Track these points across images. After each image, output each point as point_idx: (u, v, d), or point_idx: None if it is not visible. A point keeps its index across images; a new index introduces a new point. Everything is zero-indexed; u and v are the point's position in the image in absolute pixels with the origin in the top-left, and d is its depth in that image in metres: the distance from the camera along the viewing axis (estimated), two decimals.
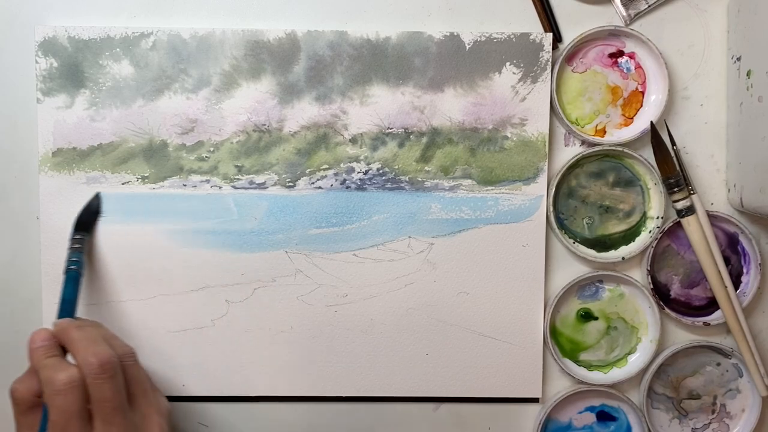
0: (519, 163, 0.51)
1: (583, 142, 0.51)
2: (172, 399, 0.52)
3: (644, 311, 0.52)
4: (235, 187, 0.51)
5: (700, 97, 0.52)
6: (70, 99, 0.50)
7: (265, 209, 0.51)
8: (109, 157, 0.50)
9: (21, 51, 0.50)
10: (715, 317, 0.52)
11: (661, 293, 0.52)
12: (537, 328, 0.52)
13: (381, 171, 0.51)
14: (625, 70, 0.51)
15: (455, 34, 0.50)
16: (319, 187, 0.51)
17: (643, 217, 0.52)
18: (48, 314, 0.50)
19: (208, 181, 0.51)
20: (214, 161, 0.51)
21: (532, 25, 0.51)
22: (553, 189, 0.51)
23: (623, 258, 0.51)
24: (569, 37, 0.51)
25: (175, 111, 0.50)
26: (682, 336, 0.53)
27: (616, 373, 0.52)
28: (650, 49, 0.50)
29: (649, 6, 0.51)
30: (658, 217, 0.51)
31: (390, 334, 0.51)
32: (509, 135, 0.51)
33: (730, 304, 0.51)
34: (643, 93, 0.52)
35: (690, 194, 0.50)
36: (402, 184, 0.51)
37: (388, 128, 0.51)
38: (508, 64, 0.50)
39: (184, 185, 0.51)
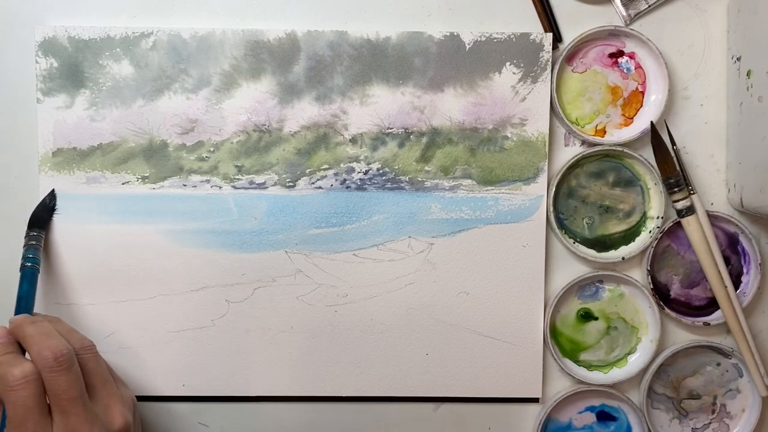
0: (519, 163, 0.51)
1: (583, 142, 0.51)
2: (172, 399, 0.52)
3: (644, 311, 0.52)
4: (235, 187, 0.51)
5: (700, 97, 0.52)
6: (70, 99, 0.50)
7: (265, 209, 0.51)
8: (109, 157, 0.50)
9: (21, 51, 0.50)
10: (715, 317, 0.52)
11: (661, 293, 0.52)
12: (537, 328, 0.52)
13: (381, 171, 0.51)
14: (625, 70, 0.51)
15: (455, 34, 0.50)
16: (319, 187, 0.51)
17: (643, 217, 0.52)
18: None
19: (208, 181, 0.51)
20: (214, 161, 0.51)
21: (532, 25, 0.51)
22: (553, 189, 0.50)
23: (623, 258, 0.51)
24: (569, 37, 0.51)
25: (175, 111, 0.50)
26: (682, 336, 0.53)
27: (616, 373, 0.52)
28: (650, 49, 0.50)
29: (649, 6, 0.51)
30: (658, 217, 0.51)
31: (390, 334, 0.51)
32: (509, 135, 0.51)
33: (730, 304, 0.51)
34: (643, 93, 0.52)
35: (690, 194, 0.50)
36: (402, 184, 0.51)
37: (388, 128, 0.51)
38: (508, 64, 0.50)
39: (184, 185, 0.51)
